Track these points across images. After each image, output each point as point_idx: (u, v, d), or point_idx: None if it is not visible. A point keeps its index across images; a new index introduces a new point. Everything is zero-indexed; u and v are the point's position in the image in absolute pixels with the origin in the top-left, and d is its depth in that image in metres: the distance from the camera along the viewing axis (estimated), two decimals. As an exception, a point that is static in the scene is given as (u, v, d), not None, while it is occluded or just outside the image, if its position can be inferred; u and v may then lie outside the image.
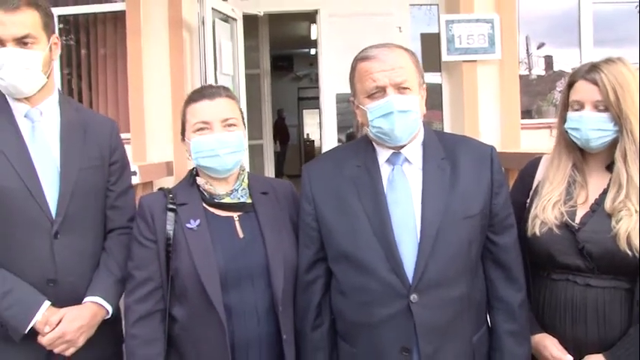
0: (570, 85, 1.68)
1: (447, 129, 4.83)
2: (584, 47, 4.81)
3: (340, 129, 4.93)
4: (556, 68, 5.15)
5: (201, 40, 4.24)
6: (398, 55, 1.56)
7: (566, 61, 5.06)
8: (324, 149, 4.91)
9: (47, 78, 1.71)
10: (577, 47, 4.84)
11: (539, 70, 5.12)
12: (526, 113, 4.79)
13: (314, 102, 13.18)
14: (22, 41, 1.62)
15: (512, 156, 3.41)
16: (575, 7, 4.79)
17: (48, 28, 1.68)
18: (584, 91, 1.62)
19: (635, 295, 1.55)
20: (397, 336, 1.50)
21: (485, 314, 1.65)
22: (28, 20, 1.62)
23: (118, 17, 4.50)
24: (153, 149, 4.33)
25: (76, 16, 4.57)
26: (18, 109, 1.70)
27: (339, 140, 4.92)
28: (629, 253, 1.52)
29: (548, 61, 5.14)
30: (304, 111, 14.46)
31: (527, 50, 5.01)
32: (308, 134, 14.95)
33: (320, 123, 5.15)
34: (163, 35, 4.37)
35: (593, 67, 1.62)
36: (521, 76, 4.76)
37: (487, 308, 1.65)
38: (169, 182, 4.30)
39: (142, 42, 4.33)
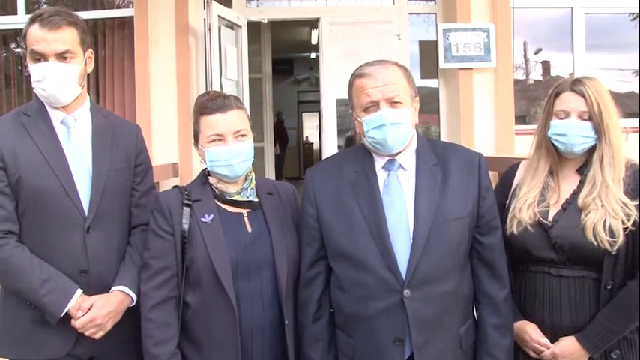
0: (556, 96, 1.83)
1: (444, 133, 4.94)
2: (577, 53, 4.93)
3: (339, 132, 5.01)
4: (552, 73, 5.22)
5: (207, 46, 4.34)
6: (391, 71, 1.69)
7: (561, 65, 5.14)
8: (324, 152, 5.04)
9: (82, 88, 1.87)
10: (570, 52, 4.96)
11: (536, 75, 5.22)
12: (522, 118, 4.90)
13: (313, 105, 13.27)
14: (62, 56, 1.78)
15: (507, 161, 3.52)
16: (568, 14, 4.91)
17: (84, 44, 1.85)
18: (571, 101, 1.79)
19: (601, 283, 1.72)
20: (391, 327, 1.62)
21: (472, 308, 1.77)
22: (67, 37, 1.79)
23: (127, 23, 4.61)
24: (159, 151, 4.45)
25: (85, 21, 4.66)
26: (55, 116, 1.86)
27: (339, 145, 5.01)
28: (595, 242, 1.69)
29: (546, 66, 5.21)
30: (303, 114, 14.43)
31: (525, 55, 5.14)
32: (307, 137, 15.00)
33: (320, 127, 5.24)
34: (170, 41, 4.49)
35: (578, 81, 1.80)
36: (518, 81, 4.85)
37: (474, 302, 1.77)
38: (175, 184, 4.42)
39: (150, 47, 4.45)
